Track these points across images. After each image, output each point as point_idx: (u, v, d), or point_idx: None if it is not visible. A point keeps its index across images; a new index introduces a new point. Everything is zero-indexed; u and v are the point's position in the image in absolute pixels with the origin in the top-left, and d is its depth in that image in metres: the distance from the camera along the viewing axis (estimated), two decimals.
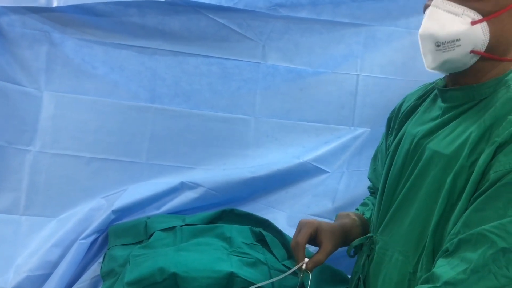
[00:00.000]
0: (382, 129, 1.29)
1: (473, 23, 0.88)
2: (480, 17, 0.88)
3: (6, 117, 1.47)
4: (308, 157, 1.59)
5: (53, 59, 1.49)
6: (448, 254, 0.85)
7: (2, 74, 1.46)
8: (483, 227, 0.81)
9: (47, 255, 1.41)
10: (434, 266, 0.86)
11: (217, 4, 1.51)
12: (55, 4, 1.44)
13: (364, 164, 1.57)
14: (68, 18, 1.48)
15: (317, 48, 1.60)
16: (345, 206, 1.54)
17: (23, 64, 1.47)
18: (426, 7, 0.96)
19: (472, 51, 0.90)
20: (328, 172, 1.61)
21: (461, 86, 0.95)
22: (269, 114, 1.61)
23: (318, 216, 1.56)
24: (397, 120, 1.17)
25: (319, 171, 1.60)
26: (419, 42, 0.95)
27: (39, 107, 1.49)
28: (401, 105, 1.20)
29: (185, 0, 1.49)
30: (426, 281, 0.85)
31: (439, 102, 1.03)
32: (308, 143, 1.62)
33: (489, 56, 0.91)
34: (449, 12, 0.90)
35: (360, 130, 1.63)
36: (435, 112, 1.03)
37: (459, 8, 0.89)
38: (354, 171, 1.62)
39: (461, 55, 0.91)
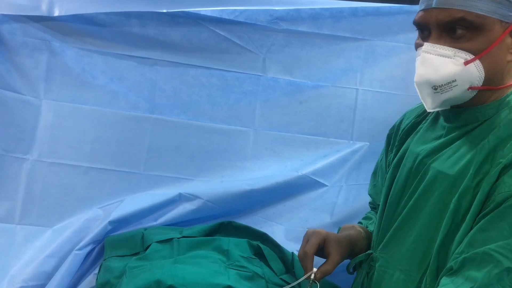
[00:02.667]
0: (381, 144, 1.29)
1: (466, 63, 0.89)
2: (471, 56, 0.88)
3: (4, 125, 1.46)
4: (306, 170, 1.58)
5: (53, 68, 1.49)
6: (452, 272, 0.85)
7: (2, 82, 1.45)
8: (488, 246, 0.81)
9: (42, 265, 1.39)
10: (438, 285, 0.86)
11: (218, 16, 1.52)
12: (56, 14, 1.44)
13: (363, 178, 1.57)
14: (69, 27, 1.48)
15: (317, 61, 1.60)
16: (343, 220, 1.52)
17: (22, 72, 1.47)
18: (417, 46, 0.96)
19: (470, 88, 0.91)
20: (327, 185, 1.60)
21: (464, 108, 0.96)
22: (268, 126, 1.60)
23: None
24: (397, 137, 1.17)
25: (318, 185, 1.59)
26: (416, 88, 0.95)
27: (38, 116, 1.49)
28: (400, 122, 1.20)
29: (186, 12, 1.50)
30: None
31: (442, 121, 1.03)
32: (307, 156, 1.61)
33: (487, 88, 0.92)
34: (440, 55, 0.90)
35: (359, 144, 1.63)
36: (439, 131, 1.03)
37: (450, 51, 0.89)
38: (353, 185, 1.61)
39: (459, 93, 0.91)
